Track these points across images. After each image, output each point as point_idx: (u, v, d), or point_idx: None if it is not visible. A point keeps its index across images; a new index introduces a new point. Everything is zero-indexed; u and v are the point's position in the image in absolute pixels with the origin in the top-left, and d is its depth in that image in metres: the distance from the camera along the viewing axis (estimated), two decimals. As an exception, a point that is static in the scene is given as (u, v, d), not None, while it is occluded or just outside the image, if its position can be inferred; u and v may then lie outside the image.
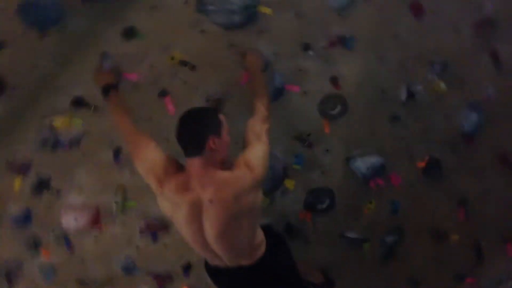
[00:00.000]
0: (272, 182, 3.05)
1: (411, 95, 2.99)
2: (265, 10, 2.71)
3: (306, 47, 2.83)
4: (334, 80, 2.91)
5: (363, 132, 3.08)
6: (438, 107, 3.05)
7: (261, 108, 2.38)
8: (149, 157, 2.23)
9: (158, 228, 3.20)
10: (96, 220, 3.04)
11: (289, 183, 3.13)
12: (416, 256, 3.46)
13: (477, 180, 3.28)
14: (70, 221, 2.97)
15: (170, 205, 2.21)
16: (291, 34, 2.78)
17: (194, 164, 2.15)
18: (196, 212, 2.18)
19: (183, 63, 2.79)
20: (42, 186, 2.93)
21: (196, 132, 2.11)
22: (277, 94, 2.90)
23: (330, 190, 3.21)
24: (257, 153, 2.22)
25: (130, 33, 2.68)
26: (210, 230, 2.22)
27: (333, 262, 3.40)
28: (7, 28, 2.57)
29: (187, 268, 3.23)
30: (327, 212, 3.26)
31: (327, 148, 3.08)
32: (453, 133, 3.14)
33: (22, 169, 2.88)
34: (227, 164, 2.21)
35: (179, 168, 2.23)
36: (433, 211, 3.33)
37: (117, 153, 2.97)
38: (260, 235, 2.44)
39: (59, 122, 2.84)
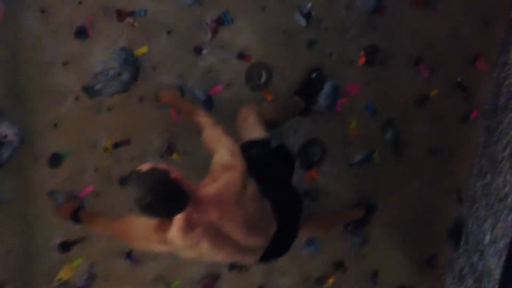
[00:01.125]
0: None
1: (308, 16, 3.01)
2: (142, 50, 2.70)
3: (198, 50, 2.83)
4: (241, 56, 2.93)
5: (296, 75, 3.06)
6: (334, 7, 3.09)
7: (202, 119, 2.38)
8: (140, 231, 2.16)
9: (213, 282, 3.23)
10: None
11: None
12: (417, 129, 3.55)
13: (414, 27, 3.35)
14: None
15: (192, 249, 2.17)
16: (178, 50, 2.79)
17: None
18: (215, 235, 2.15)
19: (117, 145, 2.78)
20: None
21: (172, 207, 2.01)
22: (209, 105, 2.91)
23: (313, 140, 3.24)
24: (226, 153, 2.21)
25: (56, 160, 2.67)
26: (237, 236, 2.20)
27: (360, 193, 3.48)
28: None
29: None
30: (324, 159, 3.31)
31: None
32: (364, 16, 3.14)
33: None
34: (202, 184, 2.18)
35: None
36: (400, 89, 3.37)
37: (129, 254, 2.98)
38: None
39: (64, 274, 2.82)
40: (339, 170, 3.34)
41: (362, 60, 3.19)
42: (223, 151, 2.23)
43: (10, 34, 2.41)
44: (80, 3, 2.50)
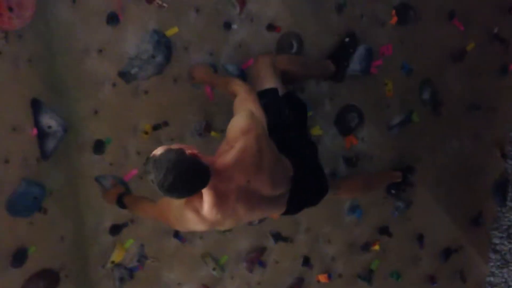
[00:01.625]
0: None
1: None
2: (172, 30, 2.71)
3: (227, 25, 2.83)
4: (271, 27, 2.91)
5: (328, 41, 3.04)
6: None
7: (237, 87, 2.41)
8: (177, 214, 2.18)
9: (259, 255, 3.29)
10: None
11: (315, 131, 3.17)
12: (456, 85, 3.49)
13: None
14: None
15: (230, 218, 2.19)
16: (208, 27, 2.79)
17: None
18: (247, 197, 2.18)
19: (156, 128, 2.83)
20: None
21: (195, 183, 2.01)
22: (242, 79, 2.91)
23: (352, 106, 3.21)
24: (244, 116, 2.22)
25: (100, 147, 2.73)
26: (266, 191, 2.24)
27: (401, 155, 3.45)
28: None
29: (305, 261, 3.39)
30: (362, 124, 3.28)
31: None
32: None
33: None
34: (219, 153, 2.19)
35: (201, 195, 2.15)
36: (435, 45, 3.31)
37: (176, 234, 3.03)
38: None
39: (116, 256, 2.90)
40: (379, 133, 3.32)
41: (394, 19, 3.14)
42: (242, 114, 2.23)
43: (44, 26, 2.44)
44: (109, -11, 2.52)
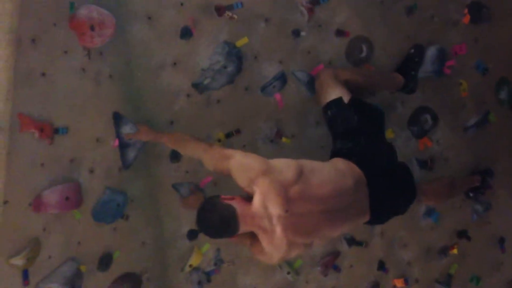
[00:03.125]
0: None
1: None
2: (243, 41, 2.80)
3: (296, 33, 2.88)
4: (340, 33, 2.94)
5: (398, 43, 3.03)
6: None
7: (201, 153, 2.50)
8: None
9: (333, 259, 3.32)
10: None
11: (388, 134, 3.13)
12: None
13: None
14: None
15: (293, 247, 2.33)
16: (277, 36, 2.86)
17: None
18: (295, 223, 2.27)
19: (229, 135, 2.93)
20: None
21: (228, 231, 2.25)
22: (312, 86, 2.96)
23: (425, 107, 3.18)
24: (239, 171, 2.31)
25: (176, 155, 2.84)
26: (320, 208, 2.32)
27: (477, 157, 3.38)
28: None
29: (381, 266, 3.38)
30: (436, 125, 3.24)
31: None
32: None
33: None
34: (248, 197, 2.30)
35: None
36: (509, 44, 3.23)
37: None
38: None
39: (194, 260, 3.02)
40: (454, 135, 3.27)
41: (467, 18, 3.08)
42: (239, 166, 2.32)
43: (122, 43, 2.59)
44: (182, 4, 2.64)
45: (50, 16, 2.34)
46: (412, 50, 3.02)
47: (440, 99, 3.19)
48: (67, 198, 2.47)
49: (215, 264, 3.09)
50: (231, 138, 2.91)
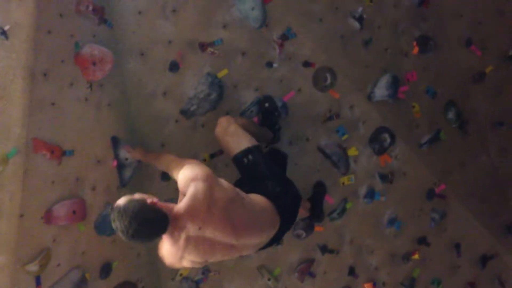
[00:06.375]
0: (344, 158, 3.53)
1: (360, 19, 3.43)
2: (223, 72, 3.19)
3: (269, 64, 3.28)
4: (307, 64, 3.36)
5: (358, 72, 3.45)
6: (383, 7, 3.47)
7: (164, 157, 2.68)
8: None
9: (309, 266, 3.62)
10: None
11: (352, 151, 3.57)
12: (479, 104, 3.83)
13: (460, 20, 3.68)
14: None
15: (182, 261, 2.33)
16: (253, 67, 3.21)
17: None
18: (201, 243, 2.28)
19: (213, 156, 3.29)
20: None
21: (156, 228, 2.20)
22: (285, 111, 3.35)
23: (384, 127, 3.57)
24: (187, 168, 2.35)
25: (166, 175, 3.15)
26: (225, 236, 2.32)
27: (432, 170, 3.80)
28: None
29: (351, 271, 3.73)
30: (394, 143, 3.62)
31: (350, 105, 3.50)
32: (411, 10, 3.50)
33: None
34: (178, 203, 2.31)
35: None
36: (456, 70, 3.68)
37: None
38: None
39: (184, 270, 3.31)
40: (410, 151, 3.67)
41: (415, 50, 3.54)
42: (186, 166, 2.36)
43: (119, 76, 2.96)
44: (170, 42, 3.04)
45: (59, 54, 2.71)
46: (267, 104, 3.23)
47: (397, 120, 3.60)
48: (74, 212, 2.79)
49: (203, 273, 3.39)
50: (215, 158, 3.26)
